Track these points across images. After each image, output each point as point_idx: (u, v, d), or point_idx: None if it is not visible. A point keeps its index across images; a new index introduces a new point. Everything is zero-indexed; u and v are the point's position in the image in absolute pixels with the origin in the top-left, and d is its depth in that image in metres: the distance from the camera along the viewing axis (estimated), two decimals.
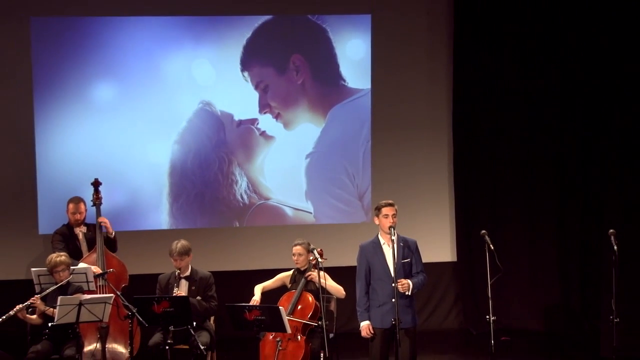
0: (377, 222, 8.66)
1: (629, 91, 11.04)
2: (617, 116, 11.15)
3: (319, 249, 9.24)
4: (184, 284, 9.54)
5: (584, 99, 11.95)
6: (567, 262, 12.30)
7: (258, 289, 9.70)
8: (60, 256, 9.36)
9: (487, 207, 12.42)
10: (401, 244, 8.56)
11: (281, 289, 9.81)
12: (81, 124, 11.52)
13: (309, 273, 9.50)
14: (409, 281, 8.45)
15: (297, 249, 9.57)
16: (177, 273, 9.55)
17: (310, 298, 9.40)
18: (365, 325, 8.58)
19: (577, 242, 12.23)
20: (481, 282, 10.69)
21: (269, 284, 9.80)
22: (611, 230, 9.12)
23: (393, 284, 8.39)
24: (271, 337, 9.31)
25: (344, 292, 9.58)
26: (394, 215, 8.53)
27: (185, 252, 9.50)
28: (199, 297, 9.49)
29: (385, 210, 8.54)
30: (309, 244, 9.50)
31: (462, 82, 12.24)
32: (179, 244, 9.51)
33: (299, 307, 9.42)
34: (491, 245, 8.61)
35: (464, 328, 12.49)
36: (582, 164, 12.13)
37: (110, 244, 10.53)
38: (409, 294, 8.46)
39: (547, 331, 12.26)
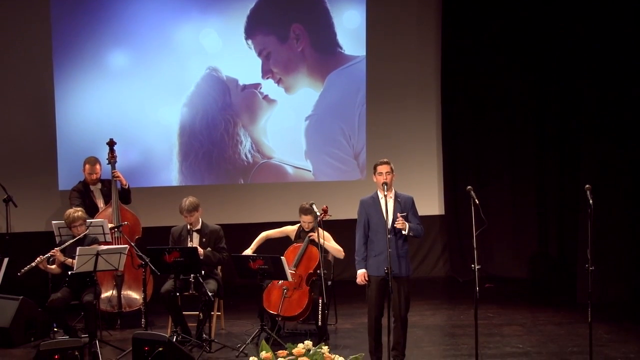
0: (375, 179, 8.52)
1: (601, 58, 10.91)
2: (591, 79, 11.03)
3: (324, 206, 9.22)
4: (195, 237, 9.39)
5: (562, 62, 11.87)
6: (547, 215, 12.34)
7: (261, 239, 9.65)
8: (78, 212, 9.26)
9: (473, 164, 12.46)
10: (398, 200, 8.41)
11: (283, 240, 9.74)
12: (97, 88, 11.44)
13: (311, 234, 9.39)
14: (405, 223, 8.29)
15: (308, 218, 9.43)
16: (188, 227, 9.39)
17: (315, 251, 9.32)
18: (361, 273, 8.41)
19: (556, 195, 12.25)
20: (467, 234, 10.77)
21: (273, 233, 9.75)
22: (587, 186, 8.94)
23: (389, 236, 8.24)
24: (279, 283, 9.21)
25: (344, 254, 9.49)
26: (387, 173, 8.33)
27: (194, 209, 9.30)
28: (209, 248, 9.35)
29: (379, 169, 8.38)
30: (314, 210, 9.28)
31: (451, 47, 12.22)
32: (187, 201, 9.32)
33: (305, 259, 9.34)
34: (476, 200, 8.43)
35: (451, 276, 12.51)
36: (559, 124, 12.08)
37: (125, 195, 10.47)
38: (406, 233, 8.27)
39: (527, 278, 12.31)
